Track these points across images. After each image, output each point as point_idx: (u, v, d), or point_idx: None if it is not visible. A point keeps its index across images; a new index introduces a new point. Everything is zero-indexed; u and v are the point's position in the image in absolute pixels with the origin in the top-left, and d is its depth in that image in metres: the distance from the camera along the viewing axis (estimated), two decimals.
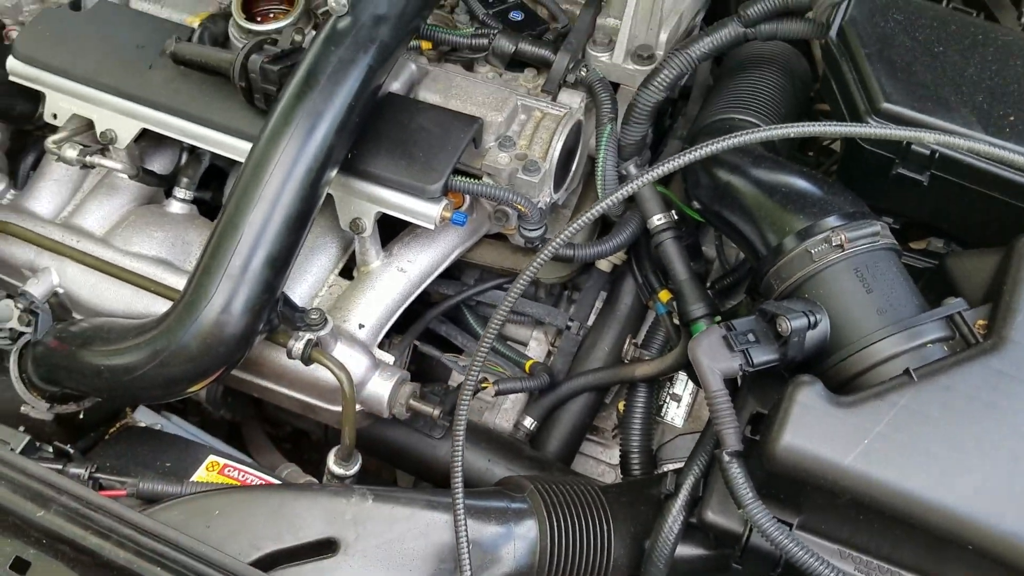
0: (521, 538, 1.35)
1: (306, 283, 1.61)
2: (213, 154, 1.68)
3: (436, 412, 1.52)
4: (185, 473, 1.49)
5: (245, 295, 1.32)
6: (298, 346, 1.42)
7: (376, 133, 1.51)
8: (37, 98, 1.73)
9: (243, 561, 1.19)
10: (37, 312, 1.55)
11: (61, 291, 1.62)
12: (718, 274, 1.75)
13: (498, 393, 1.65)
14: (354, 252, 1.63)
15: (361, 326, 1.55)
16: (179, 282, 1.55)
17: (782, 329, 1.22)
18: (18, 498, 1.21)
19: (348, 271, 1.66)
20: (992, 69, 1.37)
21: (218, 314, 1.31)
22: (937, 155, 1.33)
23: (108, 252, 1.60)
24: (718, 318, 1.49)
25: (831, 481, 1.15)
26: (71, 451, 1.51)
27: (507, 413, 1.74)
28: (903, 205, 1.42)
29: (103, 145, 1.62)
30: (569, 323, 1.75)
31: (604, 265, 1.75)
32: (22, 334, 1.60)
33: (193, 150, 1.72)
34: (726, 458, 1.19)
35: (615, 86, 1.68)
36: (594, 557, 1.36)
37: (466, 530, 1.26)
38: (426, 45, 1.67)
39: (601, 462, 1.78)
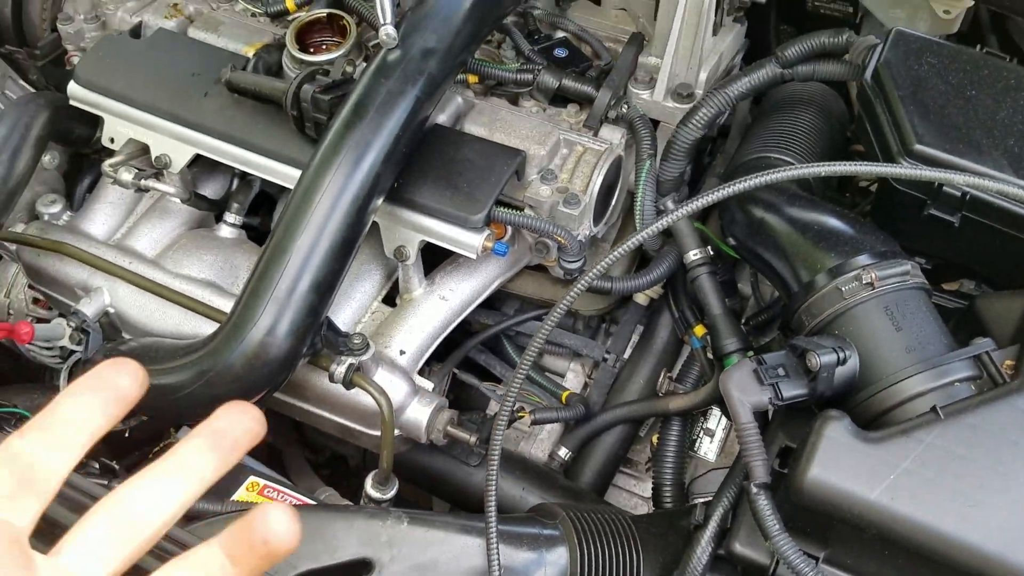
0: (552, 564, 1.40)
1: (350, 309, 1.69)
2: (263, 181, 1.78)
3: (473, 439, 1.59)
4: (226, 492, 1.55)
5: (290, 318, 1.39)
6: (340, 370, 1.49)
7: (422, 163, 1.59)
8: (95, 122, 1.84)
9: None
10: (88, 331, 1.65)
11: (112, 311, 1.71)
12: (753, 311, 1.81)
13: (534, 423, 1.71)
14: (397, 280, 1.72)
15: (402, 352, 1.62)
16: (227, 305, 1.62)
17: (812, 364, 1.28)
18: (64, 510, 1.29)
19: (390, 299, 1.74)
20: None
21: (263, 336, 1.39)
22: (968, 197, 1.39)
23: (159, 274, 1.70)
24: (751, 353, 1.55)
25: (857, 515, 1.19)
26: (116, 467, 1.60)
27: (542, 443, 1.80)
28: (934, 246, 1.48)
29: (158, 169, 1.72)
30: (606, 355, 1.81)
31: (641, 299, 1.82)
32: (72, 352, 1.70)
33: (244, 176, 1.82)
34: (754, 490, 1.24)
35: (655, 123, 1.75)
36: None
37: (498, 555, 1.31)
38: (472, 79, 1.76)
39: (634, 495, 1.83)
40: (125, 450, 1.74)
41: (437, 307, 1.68)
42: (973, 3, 1.65)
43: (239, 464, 1.70)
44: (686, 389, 1.73)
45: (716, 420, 1.79)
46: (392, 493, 1.55)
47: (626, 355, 1.84)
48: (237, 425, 0.69)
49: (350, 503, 1.73)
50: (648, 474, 1.81)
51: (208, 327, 1.62)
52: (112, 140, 1.76)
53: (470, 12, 1.60)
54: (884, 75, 1.46)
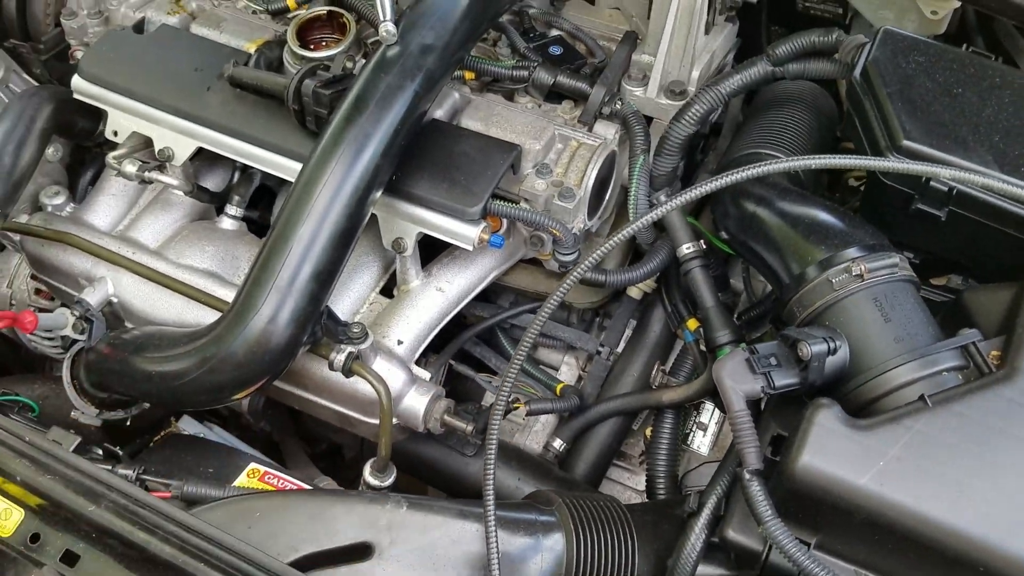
0: (548, 550, 1.41)
1: (348, 300, 1.69)
2: (264, 174, 1.79)
3: (469, 428, 1.59)
4: (227, 479, 1.56)
5: (291, 307, 1.40)
6: (339, 358, 1.50)
7: (420, 157, 1.60)
8: (98, 116, 1.85)
9: (282, 561, 1.26)
10: (92, 320, 1.64)
11: (115, 300, 1.71)
12: (745, 305, 1.82)
13: (529, 413, 1.72)
14: (394, 272, 1.72)
15: (400, 342, 1.63)
16: (228, 294, 1.64)
17: (803, 354, 1.29)
18: (70, 493, 1.28)
19: (387, 290, 1.75)
20: (1009, 111, 1.44)
21: (265, 324, 1.39)
22: (954, 191, 1.40)
23: (162, 264, 1.70)
24: (743, 345, 1.56)
25: (846, 501, 1.21)
26: (120, 453, 1.60)
27: (537, 435, 1.81)
28: (922, 240, 1.49)
29: (160, 162, 1.72)
30: (600, 348, 1.82)
31: (635, 292, 1.83)
32: (74, 342, 1.70)
33: (245, 169, 1.83)
34: (747, 476, 1.25)
35: (648, 119, 1.76)
36: (618, 572, 1.42)
37: (496, 540, 1.32)
38: (469, 75, 1.77)
39: (627, 487, 1.84)
40: (126, 438, 1.74)
41: (434, 298, 1.69)
42: (960, 4, 1.67)
43: (239, 451, 1.72)
44: (679, 382, 1.74)
45: (709, 414, 1.80)
46: (390, 480, 1.55)
47: (619, 348, 1.84)
48: None
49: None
50: (641, 467, 1.82)
51: (210, 316, 1.62)
52: (115, 133, 1.76)
53: (467, 10, 1.62)
54: (873, 73, 1.47)
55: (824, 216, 1.46)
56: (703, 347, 1.66)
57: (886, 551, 1.24)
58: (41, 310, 1.88)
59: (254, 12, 1.94)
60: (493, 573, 1.31)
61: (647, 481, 1.73)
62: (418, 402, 1.59)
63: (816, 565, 1.20)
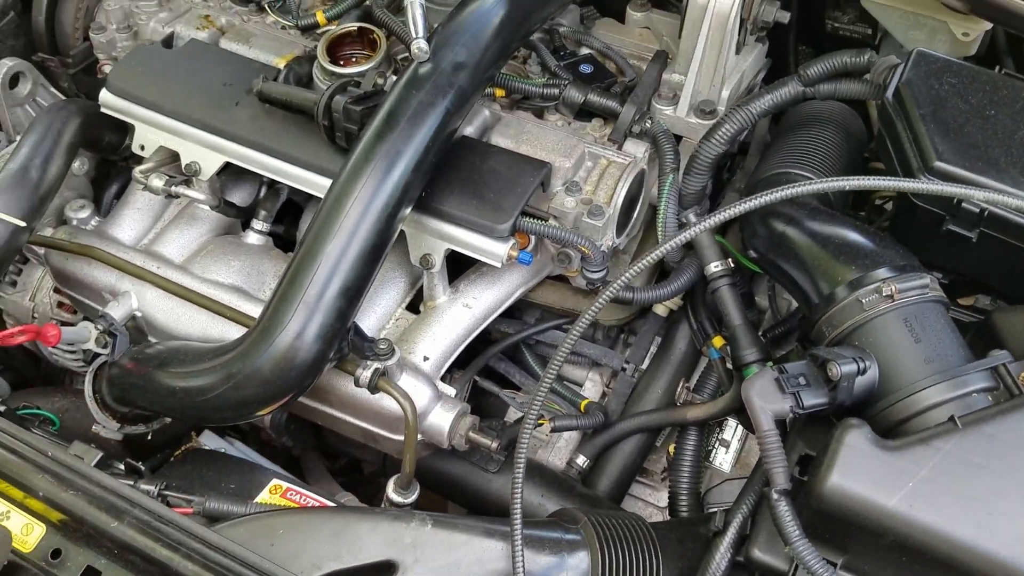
0: (573, 569, 1.43)
1: (374, 315, 1.73)
2: (290, 189, 1.84)
3: (495, 445, 1.62)
4: (249, 495, 1.59)
5: (319, 323, 1.43)
6: (366, 374, 1.53)
7: (450, 173, 1.64)
8: (124, 130, 1.90)
9: None
10: (116, 334, 1.68)
11: (139, 315, 1.75)
12: (770, 324, 1.85)
13: (554, 430, 1.75)
14: (421, 288, 1.76)
15: (426, 358, 1.67)
16: (254, 310, 1.69)
17: (832, 374, 1.32)
18: (92, 509, 1.30)
19: (413, 306, 1.79)
20: None
21: (292, 340, 1.42)
22: (986, 213, 1.43)
23: (187, 279, 1.74)
24: (770, 363, 1.59)
25: (875, 522, 1.23)
26: (142, 468, 1.64)
27: (560, 451, 1.84)
28: (952, 260, 1.52)
29: (187, 176, 1.77)
30: (625, 365, 1.86)
31: (661, 310, 1.86)
32: (96, 356, 1.75)
33: (272, 184, 1.87)
34: (775, 496, 1.28)
35: (678, 138, 1.80)
36: None
37: (523, 558, 1.35)
38: (499, 93, 1.81)
39: (649, 504, 1.87)
40: (147, 453, 1.78)
41: (460, 315, 1.72)
42: (991, 26, 1.71)
43: (261, 467, 1.75)
44: (704, 399, 1.77)
45: (731, 431, 1.83)
46: (414, 497, 1.59)
47: (644, 365, 1.88)
48: None
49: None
50: (664, 484, 1.85)
51: (235, 331, 1.66)
52: (142, 147, 1.81)
53: (499, 28, 1.66)
54: (905, 94, 1.51)
55: (854, 236, 1.49)
56: (729, 365, 1.70)
57: (914, 573, 1.26)
58: (63, 323, 1.93)
59: (283, 28, 1.99)
60: None
61: (670, 497, 1.75)
62: (443, 419, 1.62)
63: None
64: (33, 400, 1.88)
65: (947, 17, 1.72)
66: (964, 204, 1.43)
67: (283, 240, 1.93)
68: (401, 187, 1.50)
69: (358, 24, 1.83)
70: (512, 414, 1.91)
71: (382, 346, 1.55)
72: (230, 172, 1.81)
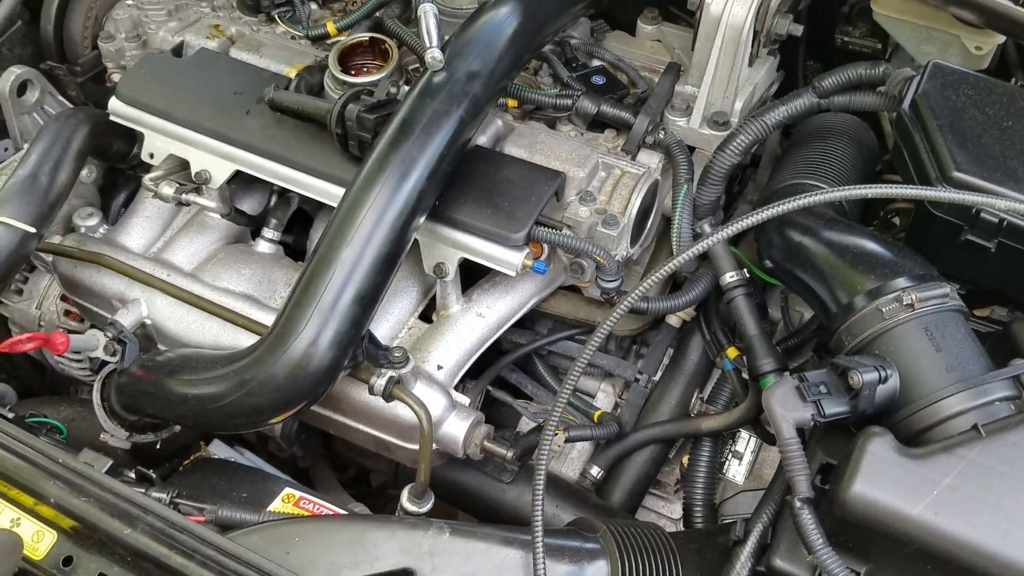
0: None
1: (388, 324, 1.73)
2: (301, 198, 1.83)
3: (510, 454, 1.62)
4: (261, 504, 1.58)
5: (333, 330, 1.43)
6: (380, 382, 1.52)
7: (463, 183, 1.64)
8: (132, 138, 1.90)
9: None
10: (125, 341, 1.67)
11: (149, 322, 1.75)
12: (782, 335, 1.85)
13: (568, 440, 1.75)
14: (434, 297, 1.76)
15: (440, 367, 1.66)
16: (265, 317, 1.68)
17: (854, 382, 1.32)
18: (105, 516, 1.29)
19: (425, 316, 1.78)
20: None
21: (307, 347, 1.42)
22: (1005, 223, 1.44)
23: (198, 286, 1.74)
24: (786, 373, 1.59)
25: (899, 530, 1.22)
26: (153, 476, 1.62)
27: (573, 462, 1.83)
28: (970, 270, 1.53)
29: (197, 185, 1.76)
30: (638, 376, 1.85)
31: (674, 320, 1.86)
32: (104, 364, 1.73)
33: (283, 193, 1.87)
34: (797, 504, 1.27)
35: (691, 149, 1.81)
36: None
37: (544, 567, 1.34)
38: (512, 103, 1.81)
39: (663, 516, 1.86)
40: (155, 462, 1.77)
41: (474, 324, 1.72)
42: (1004, 39, 1.72)
43: (273, 476, 1.74)
44: (717, 410, 1.77)
45: (744, 443, 1.82)
46: (428, 506, 1.58)
47: (657, 376, 1.87)
48: None
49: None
50: (677, 496, 1.84)
51: (246, 339, 1.66)
52: (152, 155, 1.80)
53: (513, 38, 1.67)
54: (922, 105, 1.51)
55: (872, 246, 1.49)
56: (745, 375, 1.70)
57: None
58: (70, 331, 1.92)
59: (293, 37, 1.99)
60: None
61: (684, 509, 1.75)
62: (458, 428, 1.62)
63: None
64: (39, 409, 1.86)
65: (960, 31, 1.73)
66: (983, 214, 1.44)
67: (292, 249, 1.93)
68: (416, 195, 1.50)
69: (369, 34, 1.84)
70: (524, 424, 1.90)
71: (397, 354, 1.55)
72: (240, 180, 1.81)
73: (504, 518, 1.73)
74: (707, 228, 1.73)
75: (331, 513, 1.58)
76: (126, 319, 1.72)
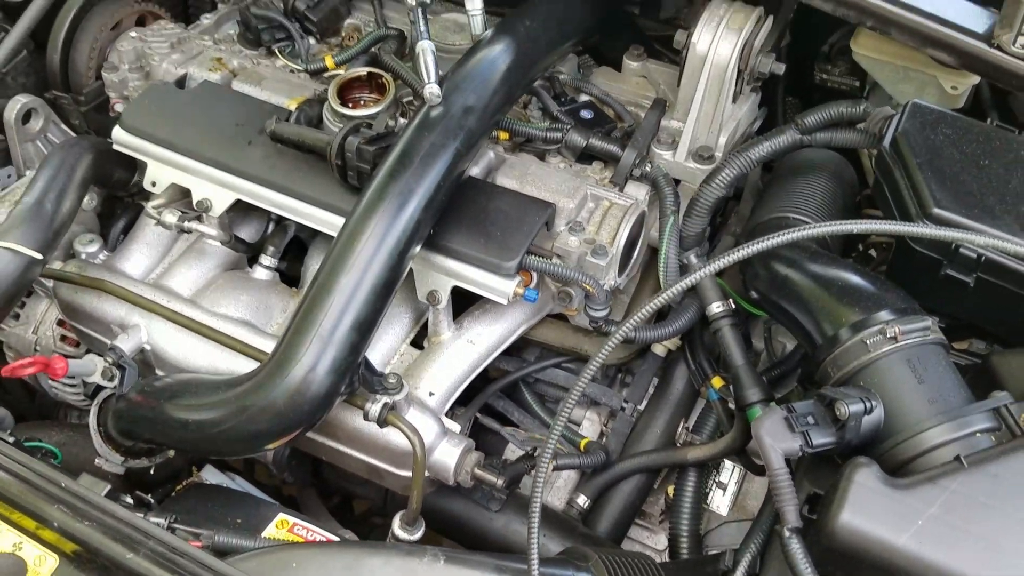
0: None
1: (380, 351, 1.70)
2: (296, 226, 1.80)
3: (500, 482, 1.59)
4: (256, 529, 1.54)
5: (332, 356, 1.40)
6: (375, 409, 1.49)
7: (457, 212, 1.62)
8: (133, 167, 1.87)
9: None
10: (125, 367, 1.63)
11: (148, 348, 1.71)
12: (765, 365, 1.83)
13: (556, 468, 1.72)
14: (425, 323, 1.73)
15: (431, 394, 1.63)
16: (262, 343, 1.65)
17: (840, 413, 1.30)
18: (108, 540, 1.26)
19: (415, 342, 1.76)
20: None
21: (306, 373, 1.39)
22: (983, 258, 1.43)
23: (197, 312, 1.70)
24: (772, 404, 1.57)
25: (885, 560, 1.20)
26: (151, 501, 1.59)
27: (559, 491, 1.80)
28: (949, 304, 1.51)
29: (198, 213, 1.74)
30: (624, 404, 1.83)
31: (660, 349, 1.83)
32: (97, 389, 1.70)
33: (280, 221, 1.84)
34: (787, 533, 1.25)
35: (676, 182, 1.79)
36: None
37: None
38: (504, 136, 1.80)
39: (648, 547, 1.82)
40: (146, 487, 1.73)
41: (465, 351, 1.70)
42: (979, 80, 1.72)
43: (266, 501, 1.70)
44: (703, 440, 1.74)
45: (728, 473, 1.78)
46: (419, 534, 1.55)
47: (642, 405, 1.85)
48: None
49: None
50: (662, 526, 1.81)
51: (243, 364, 1.63)
52: (154, 184, 1.78)
53: (506, 75, 1.67)
54: (902, 143, 1.51)
55: (855, 279, 1.48)
56: (731, 405, 1.67)
57: None
58: (67, 356, 1.88)
59: (292, 71, 1.97)
60: None
61: (670, 540, 1.71)
62: (449, 455, 1.59)
63: None
64: (32, 434, 1.82)
65: (936, 71, 1.73)
66: (962, 250, 1.43)
67: (286, 276, 1.90)
68: (413, 224, 1.48)
69: (367, 69, 1.82)
70: (510, 451, 1.87)
71: (391, 380, 1.52)
72: (238, 209, 1.78)
73: (492, 546, 1.70)
74: (693, 259, 1.72)
75: (325, 540, 1.55)
76: (126, 344, 1.68)
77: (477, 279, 1.60)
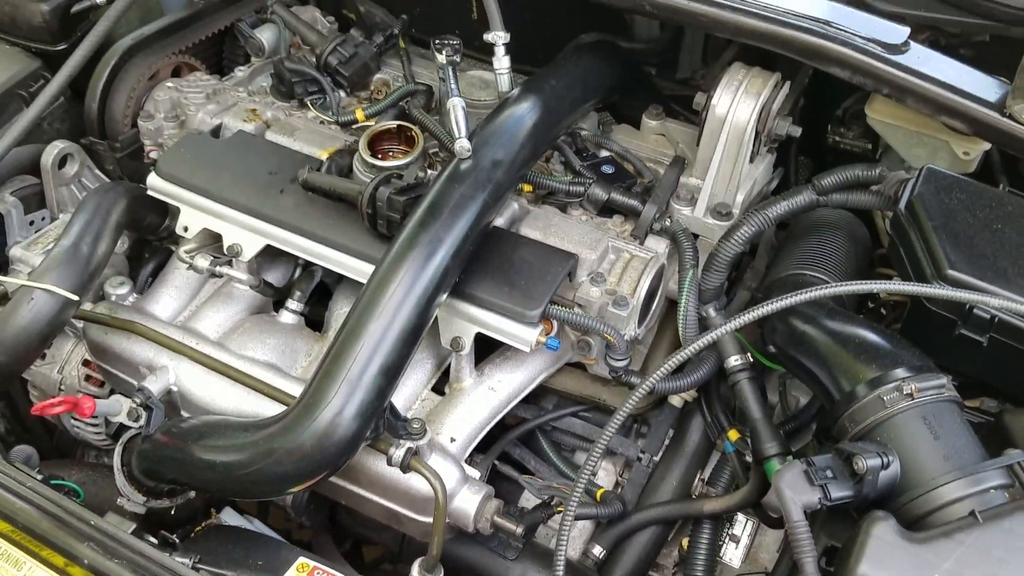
0: None
1: (402, 396, 1.72)
2: (322, 271, 1.83)
3: (519, 530, 1.60)
4: (276, 572, 1.54)
5: (360, 400, 1.42)
6: (399, 453, 1.50)
7: (482, 261, 1.65)
8: (164, 212, 1.92)
9: None
10: (152, 407, 1.65)
11: (175, 389, 1.73)
12: (779, 419, 1.85)
13: (575, 518, 1.72)
14: (446, 370, 1.75)
15: (452, 440, 1.65)
16: (288, 386, 1.67)
17: (858, 467, 1.32)
18: None
19: (436, 388, 1.78)
20: None
21: (334, 416, 1.41)
22: (996, 319, 1.46)
23: (225, 355, 1.73)
24: (790, 457, 1.58)
25: None
26: (176, 541, 1.59)
27: (575, 540, 1.80)
28: (962, 363, 1.54)
29: (229, 258, 1.77)
30: (640, 455, 1.84)
31: (676, 401, 1.85)
32: (119, 429, 1.71)
33: (307, 266, 1.88)
34: None
35: (695, 237, 1.83)
36: None
37: None
38: (527, 188, 1.84)
39: None
40: (167, 527, 1.73)
41: (486, 397, 1.72)
42: (990, 146, 1.76)
43: (286, 544, 1.71)
44: (718, 492, 1.76)
45: (741, 526, 1.79)
46: None
47: (658, 456, 1.86)
48: None
49: None
50: None
51: (269, 407, 1.65)
52: (186, 229, 1.81)
53: (533, 130, 1.72)
54: (918, 206, 1.54)
55: (872, 336, 1.51)
56: (748, 458, 1.69)
57: None
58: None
59: (322, 122, 2.02)
60: None
61: None
62: (470, 502, 1.60)
63: None
64: (53, 472, 1.83)
65: (948, 137, 1.77)
66: (976, 311, 1.46)
67: (309, 320, 1.92)
68: (441, 272, 1.51)
69: (397, 122, 1.86)
70: (525, 499, 1.88)
71: (415, 426, 1.54)
72: (265, 254, 1.81)
73: None
74: (712, 312, 1.75)
75: None
76: (154, 385, 1.70)
77: (501, 327, 1.63)
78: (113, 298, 1.86)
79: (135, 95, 2.04)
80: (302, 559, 1.61)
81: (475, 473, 1.64)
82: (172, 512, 1.74)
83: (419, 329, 1.50)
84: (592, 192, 1.81)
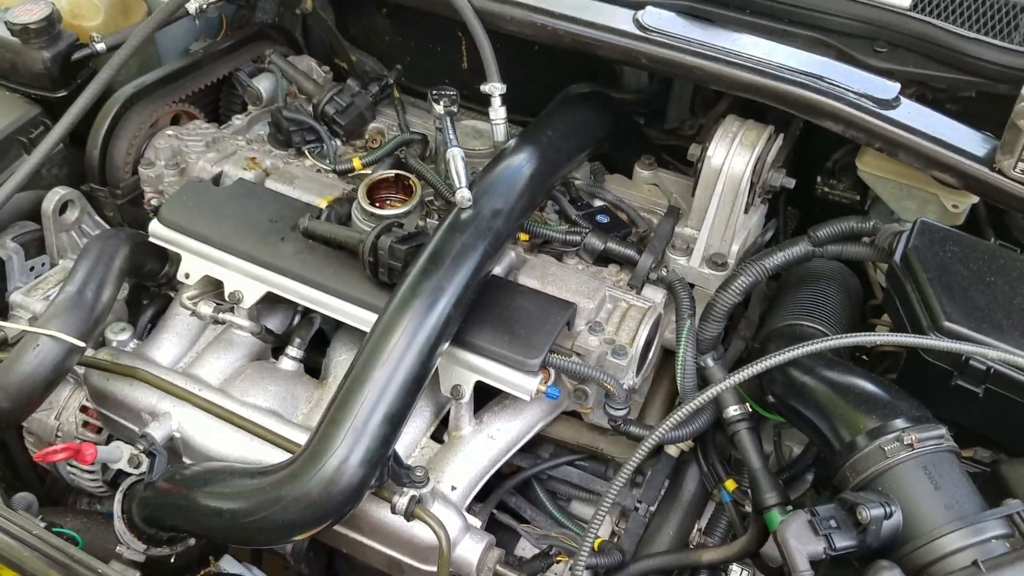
0: None
1: (402, 444, 1.69)
2: (321, 318, 1.82)
3: None
4: None
5: (365, 447, 1.41)
6: (402, 501, 1.49)
7: (482, 310, 1.65)
8: (164, 258, 1.90)
9: None
10: (155, 454, 1.63)
11: (177, 435, 1.71)
12: (774, 468, 1.84)
13: (573, 568, 1.71)
14: (444, 417, 1.74)
15: (453, 488, 1.63)
16: (289, 432, 1.65)
17: (862, 517, 1.32)
18: None
19: (435, 436, 1.76)
20: None
21: (340, 463, 1.39)
22: (992, 370, 1.47)
23: (227, 401, 1.71)
24: (789, 507, 1.57)
25: None
26: None
27: None
28: (958, 413, 1.54)
29: (230, 304, 1.76)
30: (637, 504, 1.83)
31: (673, 450, 1.84)
32: (117, 476, 1.68)
33: (306, 313, 1.87)
34: None
35: (691, 286, 1.83)
36: None
37: None
38: (524, 237, 1.84)
39: None
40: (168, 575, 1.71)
41: (485, 445, 1.70)
42: (978, 199, 1.78)
43: None
44: (715, 542, 1.75)
45: (737, 575, 1.78)
46: None
47: (654, 505, 1.84)
48: None
49: None
50: None
51: (271, 454, 1.63)
52: (187, 275, 1.80)
53: (531, 180, 1.73)
54: (913, 259, 1.55)
55: (871, 387, 1.52)
56: (746, 508, 1.68)
57: None
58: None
59: (319, 171, 2.02)
60: None
61: None
62: (472, 551, 1.58)
63: None
64: (51, 519, 1.80)
65: (937, 190, 1.79)
66: (972, 362, 1.46)
67: (306, 367, 1.90)
68: (444, 320, 1.51)
69: (395, 171, 1.87)
70: (522, 547, 1.85)
71: (418, 473, 1.53)
72: (265, 301, 1.80)
73: None
74: (710, 362, 1.74)
75: None
76: (157, 432, 1.68)
77: (501, 375, 1.62)
78: (114, 344, 1.84)
79: (136, 142, 2.03)
80: None
81: (476, 522, 1.63)
82: (172, 560, 1.71)
83: (422, 377, 1.49)
84: (588, 241, 1.82)
